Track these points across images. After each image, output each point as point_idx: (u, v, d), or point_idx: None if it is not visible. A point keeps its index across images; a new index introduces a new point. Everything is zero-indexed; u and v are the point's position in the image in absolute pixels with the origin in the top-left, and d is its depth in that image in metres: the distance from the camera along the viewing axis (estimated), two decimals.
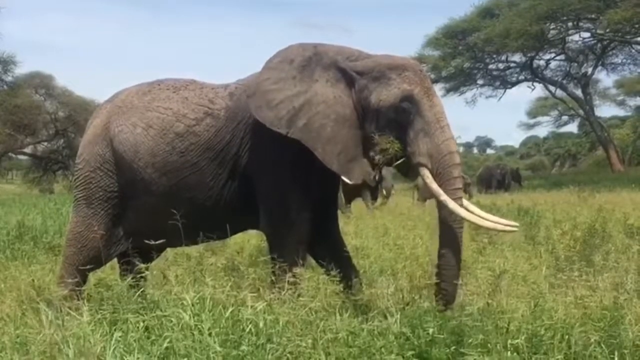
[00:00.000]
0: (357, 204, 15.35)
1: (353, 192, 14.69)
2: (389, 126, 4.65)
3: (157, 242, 4.76)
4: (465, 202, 4.66)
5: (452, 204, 4.45)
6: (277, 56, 4.93)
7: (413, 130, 4.61)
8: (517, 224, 4.86)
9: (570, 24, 35.76)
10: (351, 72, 4.79)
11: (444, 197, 4.47)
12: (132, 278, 4.54)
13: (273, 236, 4.92)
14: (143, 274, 4.48)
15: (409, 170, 4.82)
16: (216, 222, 4.89)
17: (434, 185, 4.52)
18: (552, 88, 41.28)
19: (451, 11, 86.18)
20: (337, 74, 4.82)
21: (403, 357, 3.57)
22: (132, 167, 5.01)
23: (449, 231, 4.54)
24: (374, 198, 15.27)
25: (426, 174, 4.57)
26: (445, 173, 4.55)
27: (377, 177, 4.97)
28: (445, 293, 4.43)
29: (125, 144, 5.04)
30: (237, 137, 4.90)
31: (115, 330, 3.78)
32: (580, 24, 35.64)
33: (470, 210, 4.61)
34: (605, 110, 70.83)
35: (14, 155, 44.55)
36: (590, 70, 39.97)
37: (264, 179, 4.86)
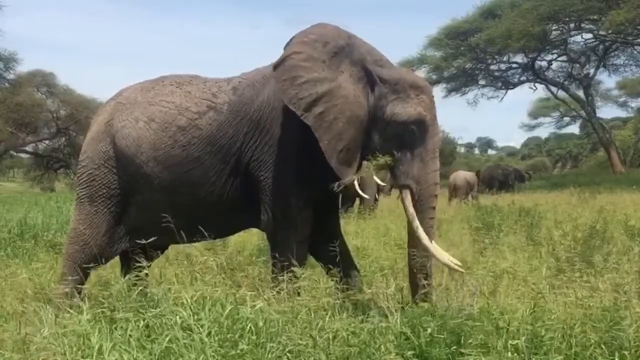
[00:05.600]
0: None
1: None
2: (393, 140, 4.76)
3: (157, 240, 4.76)
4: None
5: (421, 232, 4.67)
6: (312, 33, 4.90)
7: (411, 153, 4.76)
8: (462, 265, 4.91)
9: (572, 25, 35.64)
10: (375, 77, 4.82)
11: (416, 223, 4.69)
12: (134, 276, 4.53)
13: (274, 234, 4.92)
14: (143, 272, 4.48)
15: (395, 182, 4.98)
16: (219, 219, 4.89)
17: (411, 210, 4.73)
18: (553, 89, 41.19)
19: (453, 12, 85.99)
20: (360, 73, 4.85)
21: (403, 357, 3.58)
22: (135, 162, 5.00)
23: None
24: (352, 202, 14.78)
25: (408, 197, 4.76)
26: (427, 201, 4.78)
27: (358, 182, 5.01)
28: (417, 288, 4.66)
29: (128, 139, 5.03)
30: (241, 132, 4.89)
31: (115, 328, 3.78)
32: (583, 25, 35.53)
33: (431, 243, 4.76)
34: (606, 112, 70.99)
35: (15, 154, 44.64)
36: (592, 71, 39.89)
37: (267, 176, 4.86)
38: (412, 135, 4.73)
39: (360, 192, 4.98)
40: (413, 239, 4.77)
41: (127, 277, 4.57)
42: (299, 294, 4.22)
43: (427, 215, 4.76)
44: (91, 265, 5.06)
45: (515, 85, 41.38)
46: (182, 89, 5.11)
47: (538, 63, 39.38)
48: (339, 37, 4.90)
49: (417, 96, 4.79)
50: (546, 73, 40.35)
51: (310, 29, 4.94)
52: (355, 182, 4.87)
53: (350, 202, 14.60)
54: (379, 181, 5.67)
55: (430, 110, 4.82)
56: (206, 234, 4.89)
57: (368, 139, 4.81)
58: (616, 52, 38.80)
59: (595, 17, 33.83)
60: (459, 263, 4.88)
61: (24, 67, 38.81)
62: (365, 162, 4.91)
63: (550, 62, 40.23)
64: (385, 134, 4.77)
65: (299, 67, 4.74)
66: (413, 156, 4.75)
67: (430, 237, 4.74)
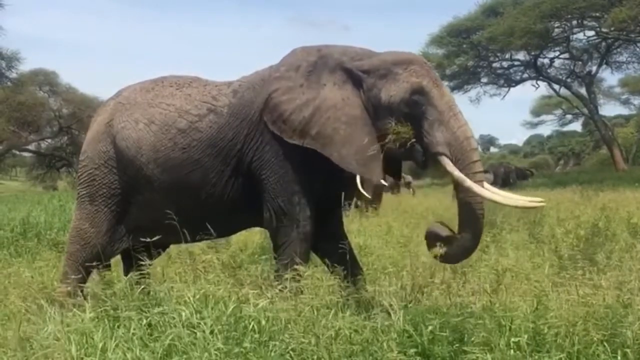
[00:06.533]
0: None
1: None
2: (403, 120, 4.66)
3: (158, 239, 4.77)
4: (486, 184, 4.69)
5: (477, 188, 4.51)
6: (283, 64, 4.96)
7: (427, 121, 4.64)
8: (542, 199, 4.92)
9: (574, 22, 35.54)
10: (358, 72, 4.81)
11: (468, 182, 4.51)
12: (137, 274, 4.55)
13: (276, 234, 4.91)
14: (146, 271, 4.49)
15: (426, 162, 4.81)
16: (219, 219, 4.89)
17: (457, 172, 4.55)
18: (556, 86, 41.07)
19: (455, 10, 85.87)
20: (343, 76, 4.84)
21: (405, 355, 3.58)
22: (135, 164, 5.01)
23: (472, 214, 4.58)
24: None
25: (446, 161, 4.59)
26: (465, 158, 4.59)
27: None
28: (449, 254, 4.57)
29: (128, 140, 5.04)
30: (241, 135, 4.90)
31: (118, 326, 3.79)
32: (585, 22, 35.43)
33: (493, 192, 4.67)
34: (609, 109, 70.67)
35: (17, 152, 44.68)
36: (594, 68, 39.78)
37: (268, 176, 4.86)
38: (418, 106, 4.65)
39: (361, 189, 4.95)
40: (466, 207, 4.57)
41: (129, 275, 4.58)
42: (302, 292, 4.22)
43: (471, 170, 4.55)
44: (93, 264, 5.07)
45: (517, 83, 41.33)
46: (182, 91, 5.12)
47: (540, 60, 39.33)
48: (308, 55, 4.94)
49: (406, 69, 4.74)
50: (548, 70, 40.28)
51: (280, 62, 5.00)
52: (357, 180, 4.85)
53: (351, 200, 14.59)
54: (368, 179, 5.55)
55: (426, 76, 4.72)
56: (207, 233, 4.90)
57: (379, 132, 4.74)
58: (618, 50, 38.70)
59: (597, 14, 33.76)
60: (535, 199, 4.88)
61: (26, 66, 38.78)
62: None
63: (552, 60, 40.16)
64: (392, 118, 4.68)
65: (280, 103, 4.78)
66: (430, 124, 4.62)
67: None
